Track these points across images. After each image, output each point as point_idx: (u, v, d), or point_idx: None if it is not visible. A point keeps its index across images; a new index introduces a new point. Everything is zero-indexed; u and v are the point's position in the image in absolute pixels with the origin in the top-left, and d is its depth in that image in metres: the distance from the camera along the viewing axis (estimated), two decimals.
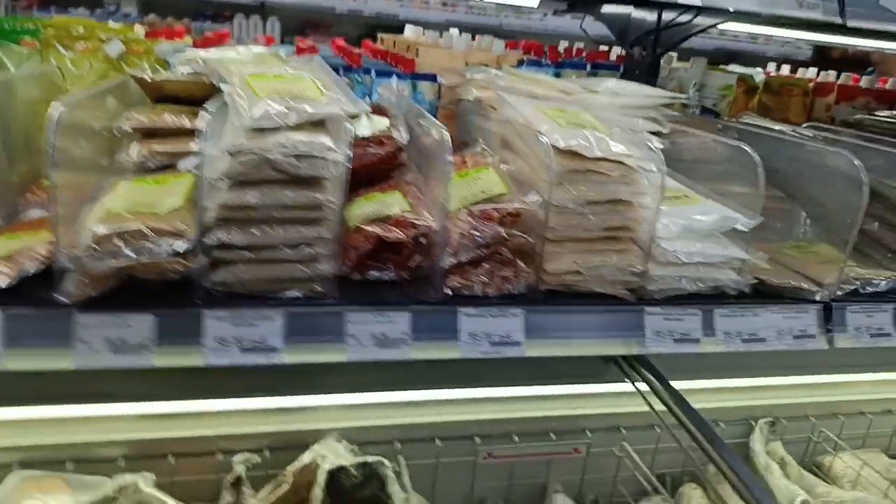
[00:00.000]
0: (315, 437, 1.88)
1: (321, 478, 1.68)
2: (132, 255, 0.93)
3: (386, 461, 1.75)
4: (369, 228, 1.09)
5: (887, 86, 2.59)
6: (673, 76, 1.95)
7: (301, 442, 1.85)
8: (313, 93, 1.13)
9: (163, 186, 1.10)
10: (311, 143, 1.02)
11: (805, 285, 1.27)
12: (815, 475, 2.10)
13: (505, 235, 1.11)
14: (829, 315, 1.27)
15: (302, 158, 1.02)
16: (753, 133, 1.58)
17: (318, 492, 1.67)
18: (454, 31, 2.31)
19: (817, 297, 1.26)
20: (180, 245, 0.94)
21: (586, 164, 1.10)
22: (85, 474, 1.69)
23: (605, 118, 1.40)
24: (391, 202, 1.19)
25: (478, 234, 1.10)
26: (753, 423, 2.24)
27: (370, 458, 1.75)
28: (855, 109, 2.15)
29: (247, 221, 1.02)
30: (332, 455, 1.80)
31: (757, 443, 2.18)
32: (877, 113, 2.05)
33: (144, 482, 1.63)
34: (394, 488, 1.73)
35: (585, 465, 2.14)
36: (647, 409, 2.19)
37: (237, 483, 1.70)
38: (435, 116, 1.67)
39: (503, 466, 2.07)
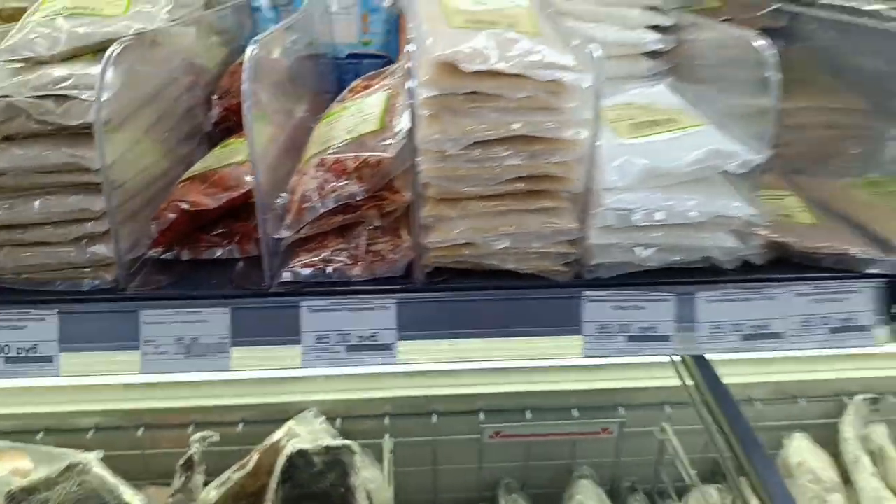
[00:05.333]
0: (297, 409, 1.69)
1: (279, 464, 1.46)
2: None
3: (354, 446, 1.50)
4: (178, 192, 0.80)
5: None
6: None
7: (282, 415, 1.67)
8: (114, 7, 0.84)
9: None
10: (76, 78, 0.74)
11: (856, 251, 0.82)
12: None
13: (362, 195, 0.77)
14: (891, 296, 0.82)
15: (61, 100, 0.73)
16: (830, 20, 1.07)
17: (273, 482, 1.46)
18: None
19: (875, 269, 0.82)
20: None
21: (467, 82, 0.72)
22: (55, 445, 1.63)
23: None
24: (238, 149, 0.88)
25: (321, 194, 0.77)
26: (848, 401, 1.77)
27: (334, 443, 1.50)
28: None
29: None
30: (305, 433, 1.59)
31: (848, 426, 1.72)
32: None
33: (92, 462, 1.48)
34: (355, 480, 1.48)
35: (618, 447, 1.80)
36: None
37: (189, 465, 1.53)
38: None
39: (517, 446, 1.78)
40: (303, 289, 0.79)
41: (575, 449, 1.79)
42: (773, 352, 0.77)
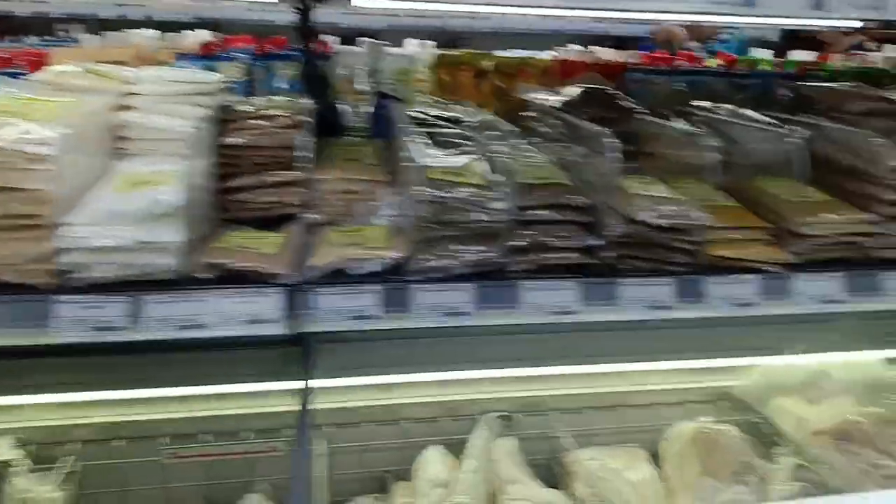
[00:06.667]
0: None
1: None
2: None
3: (15, 461, 1.77)
4: None
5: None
6: (342, 62, 1.90)
7: None
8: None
9: None
10: None
11: (259, 267, 1.21)
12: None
13: None
14: (296, 299, 1.21)
15: None
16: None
17: None
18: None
19: (278, 280, 1.21)
20: None
21: None
22: None
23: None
24: None
25: None
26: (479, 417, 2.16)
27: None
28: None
29: None
30: None
31: (476, 437, 2.10)
32: (562, 90, 1.94)
33: None
34: (8, 488, 1.74)
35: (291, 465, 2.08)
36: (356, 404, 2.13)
37: None
38: None
39: (199, 466, 2.03)
40: None
41: (255, 467, 2.05)
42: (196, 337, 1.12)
